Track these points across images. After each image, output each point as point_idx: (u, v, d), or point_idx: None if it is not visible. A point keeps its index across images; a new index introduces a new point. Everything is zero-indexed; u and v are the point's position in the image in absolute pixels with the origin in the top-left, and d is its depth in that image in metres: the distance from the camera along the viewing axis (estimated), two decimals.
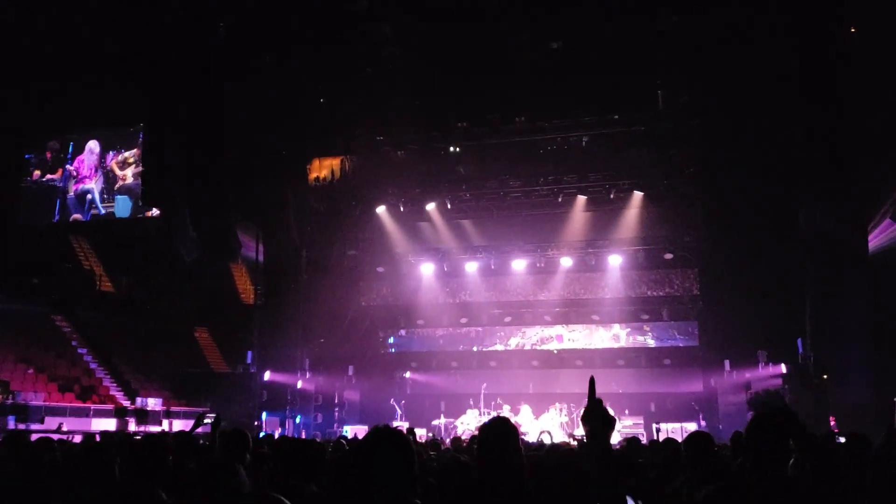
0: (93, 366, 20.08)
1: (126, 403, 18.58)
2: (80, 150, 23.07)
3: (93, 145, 22.79)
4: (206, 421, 7.09)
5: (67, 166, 23.05)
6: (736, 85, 16.70)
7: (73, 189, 22.91)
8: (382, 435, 2.50)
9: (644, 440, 10.64)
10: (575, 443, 8.61)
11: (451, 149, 20.28)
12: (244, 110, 18.63)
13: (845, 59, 15.44)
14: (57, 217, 22.71)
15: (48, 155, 23.27)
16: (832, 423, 15.48)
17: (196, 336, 22.64)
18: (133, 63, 18.36)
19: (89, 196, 22.66)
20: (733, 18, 15.89)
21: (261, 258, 21.41)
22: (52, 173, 23.28)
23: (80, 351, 20.43)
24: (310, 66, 18.25)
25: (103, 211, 22.39)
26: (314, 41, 17.48)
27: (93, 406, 17.91)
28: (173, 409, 18.71)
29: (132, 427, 17.27)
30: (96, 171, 22.78)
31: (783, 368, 17.86)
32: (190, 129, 18.80)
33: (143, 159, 21.21)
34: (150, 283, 21.77)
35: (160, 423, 17.79)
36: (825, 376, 16.89)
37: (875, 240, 17.33)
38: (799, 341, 17.66)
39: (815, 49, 15.45)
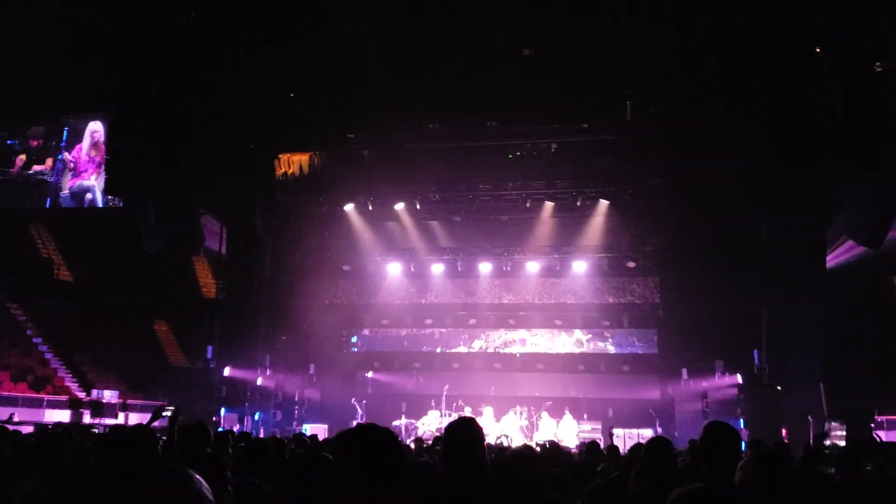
0: (48, 356, 19.69)
1: (81, 395, 18.26)
2: (77, 136, 19.72)
3: (94, 128, 19.64)
4: (164, 414, 7.02)
5: (65, 154, 19.64)
6: (702, 97, 16.99)
7: (67, 185, 19.65)
8: (369, 430, 2.50)
9: (602, 445, 10.77)
10: (538, 448, 8.68)
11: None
12: (212, 102, 18.41)
13: (811, 76, 15.81)
14: None
15: (32, 142, 19.74)
16: (784, 433, 15.84)
17: (155, 329, 22.31)
18: (103, 47, 17.99)
19: (89, 195, 19.55)
20: (702, 31, 16.16)
21: (224, 252, 21.17)
22: (39, 164, 19.73)
23: (34, 340, 20.01)
24: (281, 60, 18.11)
25: None
26: (286, 35, 17.35)
27: (46, 397, 17.58)
28: (130, 401, 18.43)
29: (87, 419, 16.97)
30: (98, 165, 19.68)
31: (739, 378, 18.21)
32: (156, 119, 18.47)
33: (107, 147, 20.57)
34: (110, 273, 21.37)
35: (116, 416, 17.51)
36: (779, 387, 17.27)
37: (834, 259, 17.80)
38: (755, 352, 18.02)
39: (783, 65, 15.79)
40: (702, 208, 18.88)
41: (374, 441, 2.42)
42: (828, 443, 10.77)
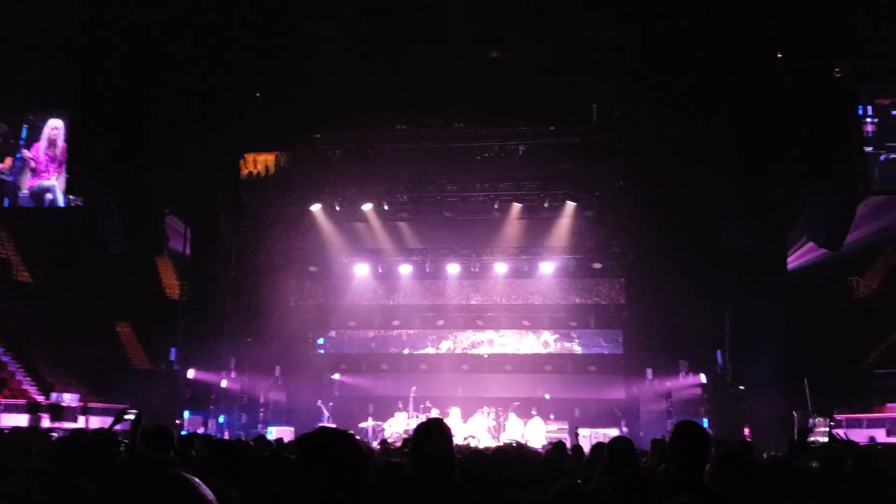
0: (5, 358, 19.22)
1: (40, 399, 17.87)
2: (36, 134, 19.26)
3: (54, 125, 19.14)
4: (126, 417, 6.89)
5: (24, 152, 19.03)
6: (666, 101, 17.21)
7: (26, 185, 19.07)
8: (328, 434, 2.48)
9: (568, 445, 10.84)
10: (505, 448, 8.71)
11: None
12: (177, 100, 18.15)
13: (773, 81, 16.11)
14: None
15: None
16: (746, 432, 16.11)
17: (118, 330, 21.94)
18: (65, 43, 17.62)
19: (49, 196, 19.06)
20: (667, 36, 16.37)
21: (188, 253, 20.88)
22: None
23: None
24: (247, 60, 17.94)
25: None
26: (253, 34, 17.19)
27: (3, 401, 17.17)
28: (91, 405, 18.08)
29: (45, 423, 16.61)
30: (59, 165, 19.19)
31: (702, 378, 18.47)
32: (119, 117, 18.13)
33: (68, 146, 20.11)
34: (70, 274, 20.95)
35: (76, 420, 17.17)
36: (742, 387, 17.55)
37: (795, 261, 18.18)
38: (718, 352, 18.29)
39: (744, 70, 16.06)
40: (666, 210, 19.12)
41: (334, 445, 2.40)
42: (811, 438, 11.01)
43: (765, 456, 8.92)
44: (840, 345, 17.66)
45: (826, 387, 16.27)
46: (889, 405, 16.31)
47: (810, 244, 17.39)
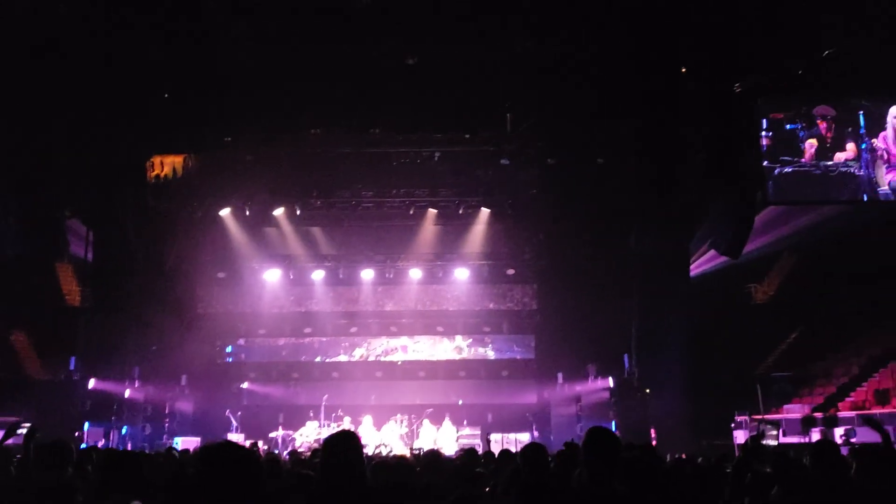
0: None
1: None
2: None
3: None
4: (19, 431, 6.55)
5: None
6: (578, 111, 17.63)
7: None
8: (222, 451, 2.42)
9: (480, 451, 10.92)
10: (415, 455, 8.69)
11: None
12: (80, 98, 17.39)
13: (678, 95, 16.72)
14: None
15: None
16: (652, 434, 16.63)
17: (12, 339, 20.80)
18: None
19: None
20: (579, 48, 16.78)
21: (90, 258, 20.02)
22: None
23: None
24: (155, 59, 17.36)
25: None
26: (163, 31, 16.65)
27: None
28: None
29: None
30: None
31: (610, 382, 18.98)
32: (17, 112, 17.22)
33: None
34: None
35: None
36: (647, 390, 18.13)
37: (697, 268, 18.93)
38: (625, 356, 18.85)
39: (651, 84, 16.61)
40: (577, 218, 19.63)
41: (228, 460, 2.35)
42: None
43: (668, 458, 9.21)
44: (739, 349, 18.49)
45: (727, 389, 17.01)
46: (785, 406, 17.16)
47: (712, 252, 18.13)
